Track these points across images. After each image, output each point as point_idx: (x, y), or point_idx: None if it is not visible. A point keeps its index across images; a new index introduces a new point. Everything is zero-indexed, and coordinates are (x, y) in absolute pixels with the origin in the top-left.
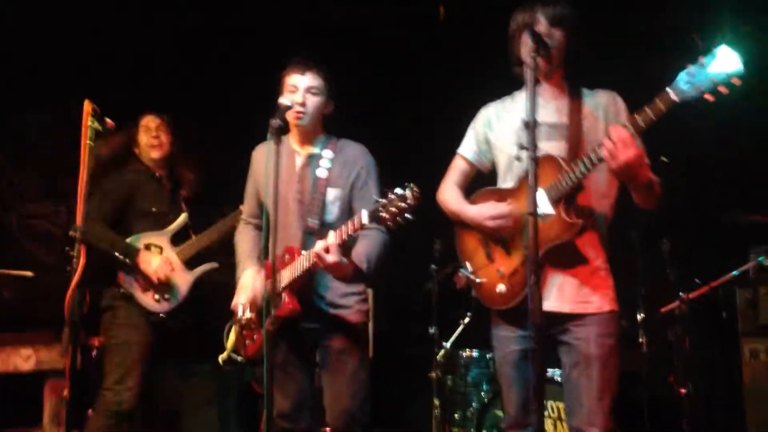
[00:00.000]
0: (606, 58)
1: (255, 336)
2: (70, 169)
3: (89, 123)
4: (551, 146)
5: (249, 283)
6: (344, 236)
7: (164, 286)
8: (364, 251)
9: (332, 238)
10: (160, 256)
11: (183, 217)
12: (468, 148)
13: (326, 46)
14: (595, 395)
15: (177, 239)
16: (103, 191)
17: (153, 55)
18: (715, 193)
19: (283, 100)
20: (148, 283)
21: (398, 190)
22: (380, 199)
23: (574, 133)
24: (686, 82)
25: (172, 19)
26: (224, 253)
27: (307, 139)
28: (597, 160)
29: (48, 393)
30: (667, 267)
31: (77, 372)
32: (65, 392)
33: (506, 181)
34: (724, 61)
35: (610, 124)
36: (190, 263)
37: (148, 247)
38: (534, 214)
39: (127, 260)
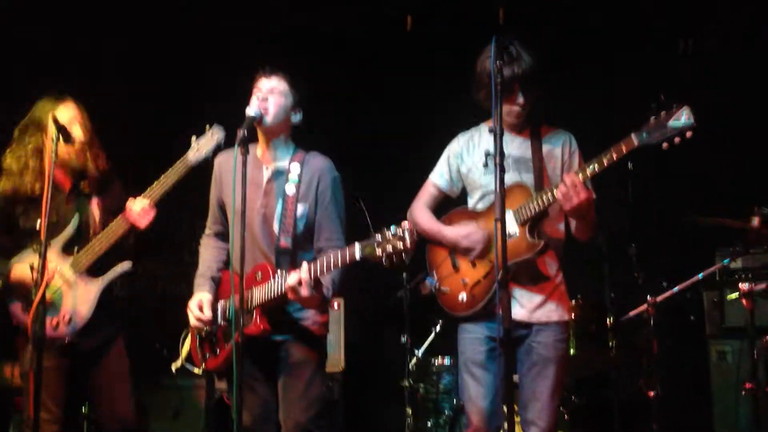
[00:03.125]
0: (578, 104)
1: (217, 350)
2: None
3: (53, 138)
4: (519, 176)
5: (191, 308)
6: (323, 270)
7: (58, 308)
8: (330, 280)
9: (305, 273)
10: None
11: (73, 223)
12: (440, 177)
13: (295, 54)
14: (549, 393)
15: (73, 249)
16: None
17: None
18: (680, 197)
19: (250, 110)
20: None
21: (394, 229)
22: (375, 235)
23: (538, 167)
24: (647, 131)
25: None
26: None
27: (272, 148)
28: (554, 198)
29: (12, 411)
30: (635, 271)
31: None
32: (28, 413)
33: (477, 206)
34: (681, 117)
35: (565, 162)
36: (95, 271)
37: (32, 267)
38: (502, 219)
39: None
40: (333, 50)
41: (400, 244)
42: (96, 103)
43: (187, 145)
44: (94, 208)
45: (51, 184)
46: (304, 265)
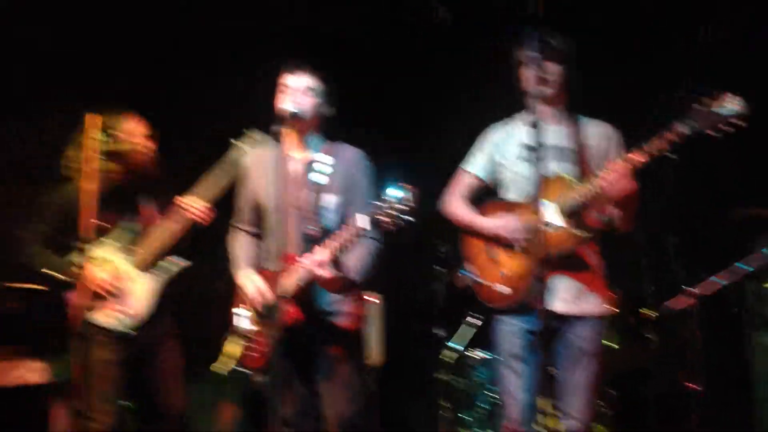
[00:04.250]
0: (619, 90)
1: (256, 346)
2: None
3: (97, 137)
4: (561, 167)
5: (248, 287)
6: (338, 248)
7: (121, 301)
8: (358, 263)
9: (323, 253)
10: (102, 270)
11: (134, 221)
12: (477, 166)
13: (323, 50)
14: (587, 386)
15: (132, 246)
16: (40, 211)
17: (139, 59)
18: (721, 187)
19: (285, 106)
20: (100, 301)
21: (394, 192)
22: (377, 203)
23: (580, 158)
24: (694, 119)
25: (161, 24)
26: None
27: (302, 142)
28: (598, 188)
29: (55, 405)
30: (674, 263)
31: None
32: (72, 405)
33: (512, 197)
34: (727, 103)
35: (607, 153)
36: (153, 267)
37: (94, 261)
38: (540, 210)
39: (68, 279)
40: (361, 43)
41: (400, 206)
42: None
43: (214, 145)
44: (152, 207)
45: (99, 182)
46: (320, 248)
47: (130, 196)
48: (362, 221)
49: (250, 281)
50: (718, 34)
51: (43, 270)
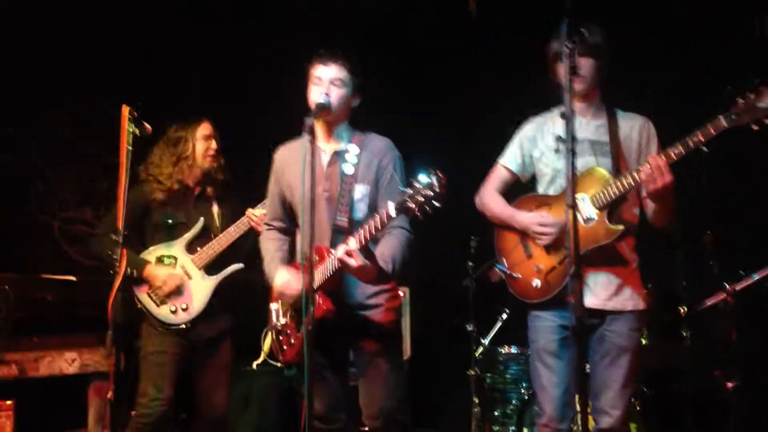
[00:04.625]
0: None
1: (292, 340)
2: (106, 172)
3: (128, 128)
4: (595, 161)
5: (282, 284)
6: (367, 236)
7: (179, 297)
8: (389, 252)
9: (353, 242)
10: (166, 268)
11: (199, 224)
12: (512, 160)
13: (356, 40)
14: (622, 382)
15: (196, 246)
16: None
17: (183, 55)
18: (756, 183)
19: (317, 98)
20: (161, 296)
21: (423, 178)
22: (406, 189)
23: (616, 151)
24: (736, 113)
25: (202, 18)
26: (251, 255)
27: (332, 133)
28: (635, 182)
29: (93, 396)
30: (710, 259)
31: (122, 374)
32: (110, 394)
33: (548, 191)
34: None
35: (643, 147)
36: (211, 269)
37: (160, 259)
38: (573, 205)
39: (134, 273)
40: (395, 33)
41: (429, 192)
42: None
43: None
44: (215, 211)
45: (127, 174)
46: (351, 238)
47: (197, 198)
48: (391, 209)
49: (279, 277)
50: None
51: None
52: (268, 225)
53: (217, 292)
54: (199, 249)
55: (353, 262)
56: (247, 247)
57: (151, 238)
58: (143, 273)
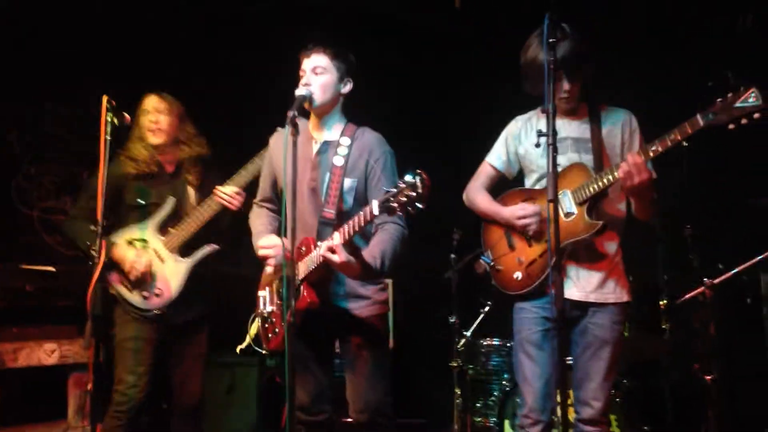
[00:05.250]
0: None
1: (277, 329)
2: (87, 162)
3: (106, 117)
4: (578, 157)
5: (268, 243)
6: (351, 232)
7: (151, 281)
8: (378, 248)
9: (337, 238)
10: (135, 250)
11: (168, 203)
12: (497, 158)
13: (347, 32)
14: (604, 374)
15: (168, 228)
16: (90, 188)
17: (168, 43)
18: (736, 178)
19: (298, 91)
20: (132, 280)
21: (408, 178)
22: (390, 189)
23: (597, 147)
24: (714, 113)
25: (189, 7)
26: (229, 240)
27: (322, 123)
28: (614, 179)
29: (72, 387)
30: (690, 253)
31: (101, 365)
32: (89, 385)
33: (535, 187)
34: (750, 98)
35: (625, 141)
36: (185, 251)
37: (131, 242)
38: (555, 200)
39: (103, 258)
40: (387, 29)
41: (412, 193)
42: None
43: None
44: (191, 192)
45: (106, 164)
46: (336, 233)
47: (172, 178)
48: (375, 208)
49: (268, 240)
50: (755, 23)
51: (85, 247)
52: (259, 204)
53: (192, 276)
54: (171, 231)
55: (336, 258)
56: (223, 227)
57: (124, 220)
58: (110, 255)
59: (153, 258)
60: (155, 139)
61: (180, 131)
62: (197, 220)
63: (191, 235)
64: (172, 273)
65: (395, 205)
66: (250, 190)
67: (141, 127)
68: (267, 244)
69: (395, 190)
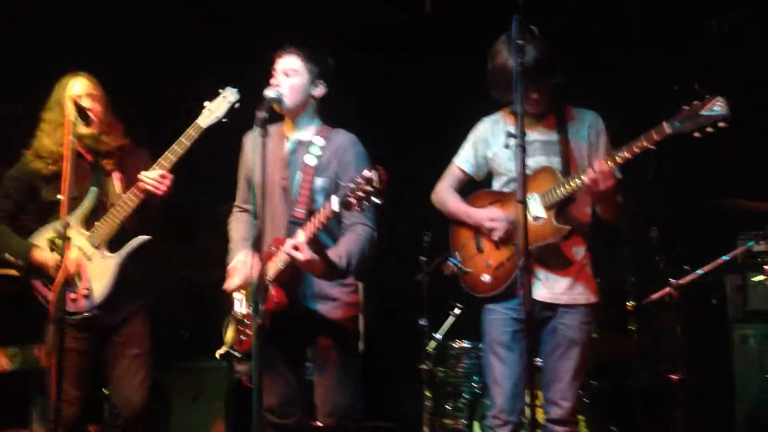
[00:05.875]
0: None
1: (248, 331)
2: None
3: (71, 118)
4: (546, 160)
5: (240, 267)
6: (314, 230)
7: (79, 282)
8: (344, 248)
9: (300, 235)
10: (57, 251)
11: (90, 196)
12: (465, 161)
13: (317, 32)
14: (573, 374)
15: (93, 222)
16: (3, 188)
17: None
18: (701, 180)
19: (268, 92)
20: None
21: (365, 173)
22: (348, 184)
23: (565, 150)
24: (680, 120)
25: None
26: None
27: (295, 123)
28: (581, 184)
29: (35, 393)
30: (656, 255)
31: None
32: (52, 392)
33: (503, 190)
34: (715, 107)
35: (593, 143)
36: (113, 245)
37: (53, 241)
38: (524, 202)
39: (20, 261)
40: (359, 31)
41: (368, 187)
42: (107, 73)
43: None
44: (116, 182)
45: (71, 163)
46: (299, 230)
47: (91, 168)
48: (334, 203)
49: (238, 261)
50: (724, 27)
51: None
52: (239, 207)
53: (123, 272)
54: (96, 225)
55: (300, 255)
56: (153, 216)
57: (43, 219)
58: (30, 259)
59: (79, 256)
60: (88, 130)
61: (106, 119)
62: (123, 210)
63: (118, 228)
64: (99, 271)
65: (353, 200)
66: (176, 172)
67: (67, 115)
68: (234, 265)
69: (353, 185)
